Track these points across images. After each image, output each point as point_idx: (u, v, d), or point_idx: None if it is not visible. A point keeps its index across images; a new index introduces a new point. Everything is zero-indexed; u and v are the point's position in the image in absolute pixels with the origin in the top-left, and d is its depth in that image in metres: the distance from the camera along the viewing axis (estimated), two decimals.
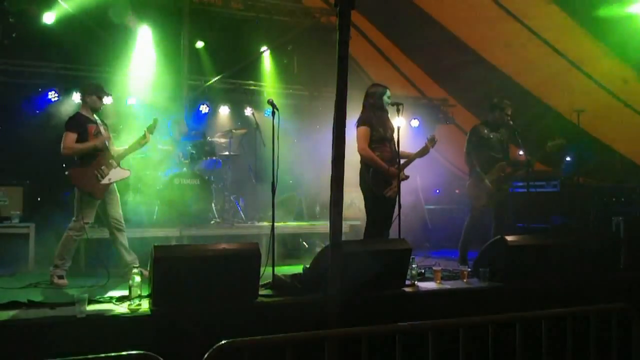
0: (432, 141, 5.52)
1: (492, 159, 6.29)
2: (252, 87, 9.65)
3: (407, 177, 5.41)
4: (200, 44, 9.16)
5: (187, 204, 7.20)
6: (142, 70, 8.74)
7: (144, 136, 5.65)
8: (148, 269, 4.13)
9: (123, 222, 5.64)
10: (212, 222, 7.46)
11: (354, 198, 7.88)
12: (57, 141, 5.37)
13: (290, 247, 7.59)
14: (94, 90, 5.58)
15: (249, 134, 8.48)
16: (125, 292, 4.02)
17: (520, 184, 7.61)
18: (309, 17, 9.88)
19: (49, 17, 7.99)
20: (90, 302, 3.75)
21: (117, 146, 5.78)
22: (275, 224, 4.82)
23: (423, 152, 5.49)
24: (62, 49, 8.17)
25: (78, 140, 5.36)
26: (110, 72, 8.47)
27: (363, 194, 5.41)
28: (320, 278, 4.24)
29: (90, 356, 2.29)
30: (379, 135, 5.31)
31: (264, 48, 9.84)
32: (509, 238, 4.96)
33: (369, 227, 5.38)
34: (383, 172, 5.25)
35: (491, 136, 6.34)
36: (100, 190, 5.38)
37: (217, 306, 3.84)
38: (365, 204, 5.43)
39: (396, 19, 8.87)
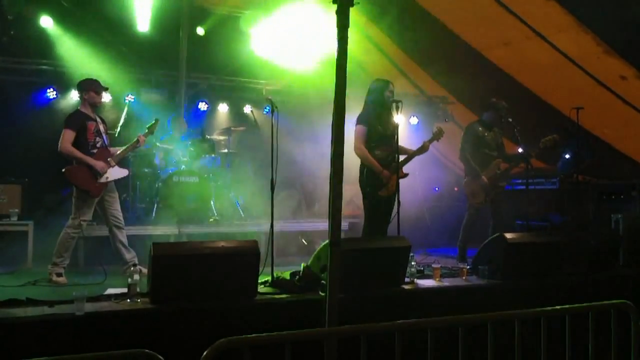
0: (439, 133, 5.52)
1: (487, 156, 6.34)
2: (251, 85, 9.64)
3: (405, 175, 5.41)
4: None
5: (186, 201, 7.20)
6: (141, 68, 8.73)
7: (137, 140, 5.67)
8: (147, 266, 4.13)
9: (122, 219, 5.64)
10: (211, 219, 7.46)
11: (353, 195, 7.87)
12: (56, 139, 5.36)
13: (289, 244, 7.59)
14: (90, 86, 5.57)
15: (248, 132, 8.48)
16: (124, 290, 4.01)
17: (519, 181, 7.61)
18: None
19: (46, 21, 8.00)
20: (89, 299, 3.74)
21: (114, 145, 5.79)
22: (275, 221, 4.82)
23: (421, 151, 5.50)
24: (61, 46, 8.16)
25: (77, 138, 5.36)
26: (109, 70, 8.47)
27: (361, 191, 5.42)
28: (319, 276, 4.25)
29: (89, 354, 2.29)
30: (378, 134, 5.30)
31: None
32: (508, 236, 4.97)
33: (367, 224, 5.39)
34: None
35: (486, 134, 6.39)
36: (97, 189, 5.37)
37: (216, 304, 3.84)
38: (363, 202, 5.44)
39: (395, 16, 8.85)
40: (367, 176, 5.29)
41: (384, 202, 5.32)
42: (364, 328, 2.72)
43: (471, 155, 6.33)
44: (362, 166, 5.34)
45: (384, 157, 5.31)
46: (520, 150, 6.41)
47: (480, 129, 6.40)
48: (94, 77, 5.75)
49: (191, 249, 4.04)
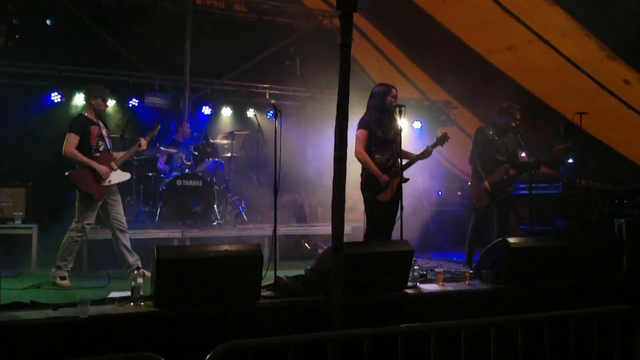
0: (444, 138, 5.51)
1: (496, 161, 6.31)
2: (255, 89, 9.67)
3: (406, 180, 5.39)
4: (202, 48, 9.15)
5: (190, 205, 7.21)
6: (144, 72, 8.76)
7: (139, 144, 5.69)
8: (150, 270, 4.14)
9: (125, 223, 5.65)
10: (214, 223, 7.47)
11: (356, 200, 7.86)
12: (60, 143, 5.39)
13: (292, 248, 7.60)
14: (99, 93, 5.60)
15: (251, 136, 8.49)
16: (128, 293, 4.02)
17: (523, 185, 7.60)
18: (312, 20, 9.90)
19: (50, 24, 8.05)
20: (93, 303, 3.75)
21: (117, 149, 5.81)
22: (277, 225, 4.83)
23: (424, 155, 5.48)
24: (66, 50, 8.20)
25: (80, 142, 5.39)
26: (113, 74, 8.50)
27: (362, 196, 5.42)
28: (322, 280, 4.25)
29: (92, 357, 2.30)
30: (378, 139, 5.29)
31: (266, 50, 9.85)
32: (511, 240, 4.96)
33: (369, 229, 5.40)
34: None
35: (496, 138, 6.35)
36: (100, 192, 5.40)
37: (219, 307, 3.84)
38: (364, 206, 5.45)
39: (398, 21, 8.88)
40: (367, 181, 5.29)
41: (385, 207, 5.31)
42: (367, 332, 2.72)
43: (479, 159, 6.32)
44: (363, 171, 5.34)
45: (384, 162, 5.30)
46: (523, 154, 6.40)
47: (490, 132, 6.38)
48: (102, 83, 5.78)
49: (194, 253, 4.05)
